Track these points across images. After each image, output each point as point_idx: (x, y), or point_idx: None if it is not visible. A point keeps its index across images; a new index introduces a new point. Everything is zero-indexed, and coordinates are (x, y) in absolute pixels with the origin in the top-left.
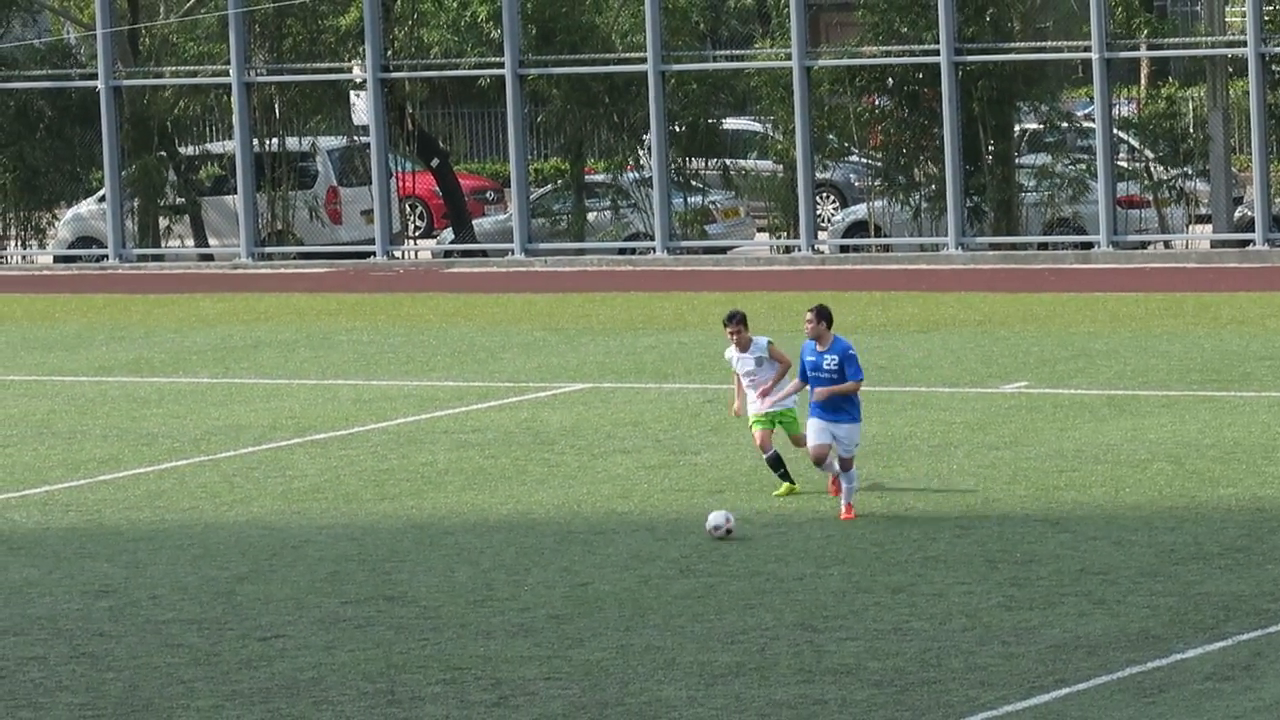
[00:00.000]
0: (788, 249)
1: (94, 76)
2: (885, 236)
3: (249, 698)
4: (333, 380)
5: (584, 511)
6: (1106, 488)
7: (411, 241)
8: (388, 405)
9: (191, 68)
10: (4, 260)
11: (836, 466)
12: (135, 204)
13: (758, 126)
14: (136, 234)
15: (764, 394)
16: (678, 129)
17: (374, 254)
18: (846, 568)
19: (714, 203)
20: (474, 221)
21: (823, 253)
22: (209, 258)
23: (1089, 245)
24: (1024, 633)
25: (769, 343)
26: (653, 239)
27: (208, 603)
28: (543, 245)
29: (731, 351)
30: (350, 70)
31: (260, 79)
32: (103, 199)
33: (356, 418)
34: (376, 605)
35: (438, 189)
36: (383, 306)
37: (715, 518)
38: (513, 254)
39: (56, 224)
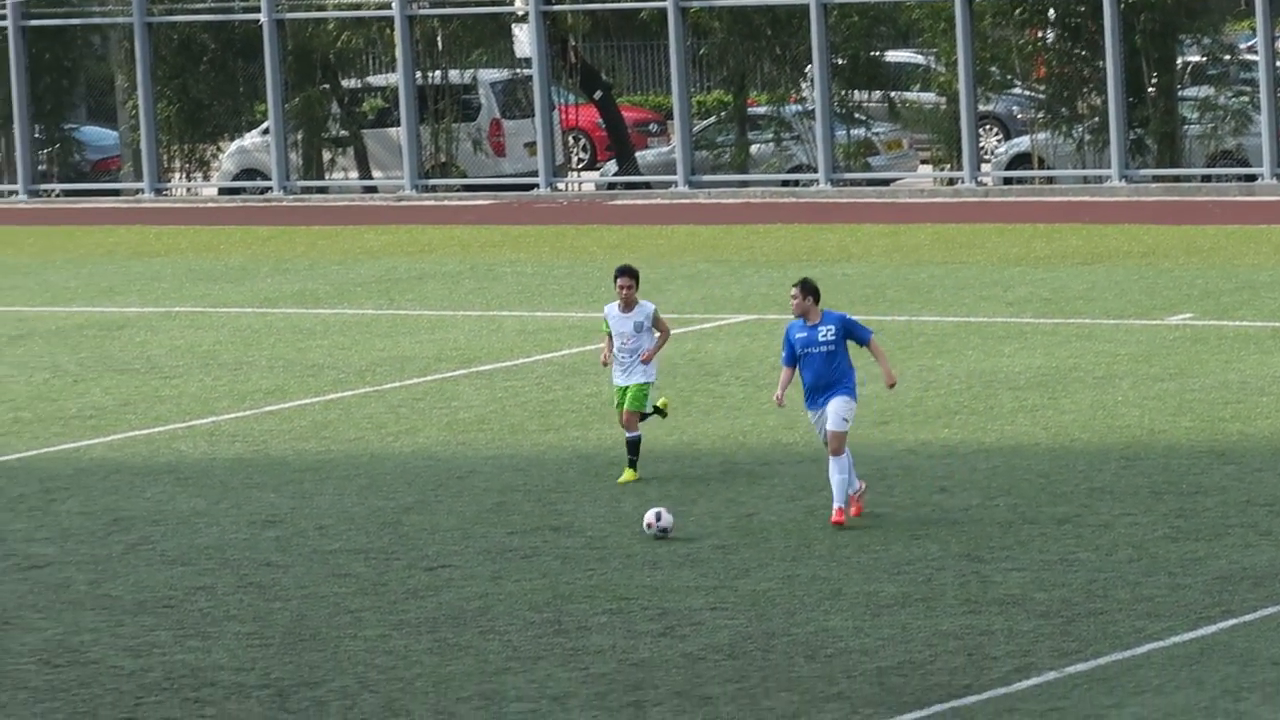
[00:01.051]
0: (951, 181)
1: (257, 10)
2: (1048, 169)
3: (416, 627)
4: (497, 312)
5: (749, 443)
6: (1273, 419)
7: (575, 174)
8: (552, 337)
9: (354, 0)
10: (169, 193)
11: (855, 485)
12: (299, 136)
13: (920, 59)
14: (300, 166)
15: (646, 360)
16: (840, 61)
17: (537, 186)
18: (1012, 499)
19: (877, 135)
20: (637, 154)
21: (986, 185)
22: (373, 190)
23: (1252, 178)
24: (1190, 564)
25: (655, 310)
26: (816, 171)
27: (374, 533)
28: (706, 177)
29: (612, 308)
30: (512, 3)
31: (422, 12)
32: (266, 131)
33: (521, 349)
34: (543, 535)
35: (601, 121)
36: (546, 239)
37: (650, 516)
38: (676, 186)
39: (220, 156)
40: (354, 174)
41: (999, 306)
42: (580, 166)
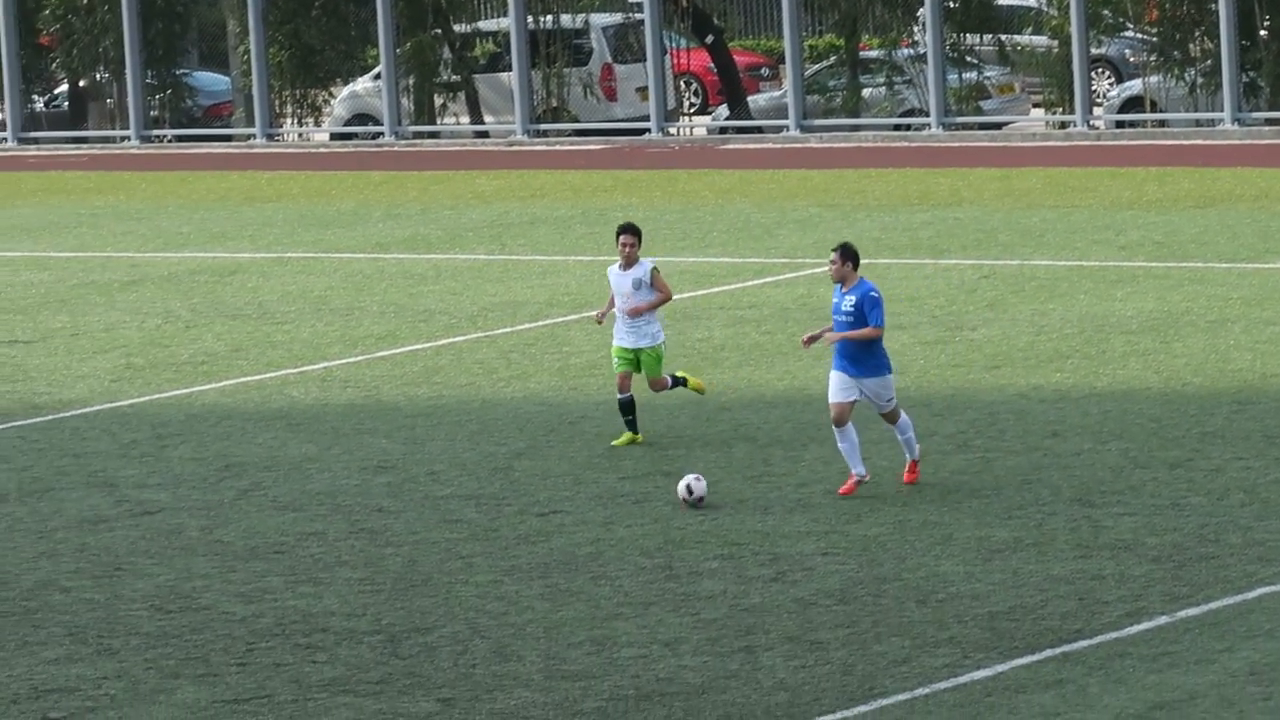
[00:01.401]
0: (1063, 125)
1: None
2: (1160, 112)
3: (527, 572)
4: (608, 257)
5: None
6: None
7: (686, 118)
8: None
9: None
10: (281, 138)
11: (909, 439)
12: (410, 81)
13: (1033, 2)
14: (412, 111)
15: (633, 312)
16: (952, 4)
17: (649, 131)
18: (1124, 443)
19: (989, 79)
20: (749, 98)
21: (1098, 128)
22: (484, 135)
23: None
24: None
25: (654, 268)
26: (927, 115)
27: (486, 478)
28: (817, 121)
29: (614, 268)
30: None
31: None
32: (378, 77)
33: None
34: (654, 481)
35: (712, 66)
36: (658, 183)
37: (682, 487)
38: (788, 130)
39: (332, 101)
40: (465, 119)
41: (1111, 250)
42: (692, 111)
